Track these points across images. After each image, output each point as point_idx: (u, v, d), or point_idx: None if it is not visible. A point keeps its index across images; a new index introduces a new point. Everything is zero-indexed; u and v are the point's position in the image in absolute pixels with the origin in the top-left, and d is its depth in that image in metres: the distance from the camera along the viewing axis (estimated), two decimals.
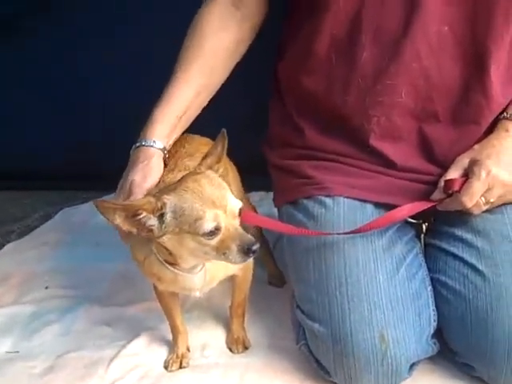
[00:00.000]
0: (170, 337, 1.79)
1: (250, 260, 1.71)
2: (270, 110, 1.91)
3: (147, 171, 1.56)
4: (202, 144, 1.74)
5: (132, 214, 1.37)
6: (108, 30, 2.54)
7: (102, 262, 2.25)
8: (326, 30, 1.65)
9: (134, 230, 1.40)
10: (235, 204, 1.42)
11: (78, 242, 2.44)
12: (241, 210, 1.43)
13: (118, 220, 1.37)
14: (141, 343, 1.82)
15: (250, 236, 1.41)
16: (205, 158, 1.51)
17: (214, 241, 1.38)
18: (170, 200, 1.38)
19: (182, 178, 1.46)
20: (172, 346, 1.78)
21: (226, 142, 1.52)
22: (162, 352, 1.79)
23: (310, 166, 1.76)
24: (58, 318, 1.96)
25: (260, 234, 2.04)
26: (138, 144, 1.62)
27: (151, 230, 1.40)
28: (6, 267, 2.30)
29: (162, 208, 1.38)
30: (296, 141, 1.80)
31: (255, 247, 1.38)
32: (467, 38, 1.61)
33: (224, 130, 1.51)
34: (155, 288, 1.71)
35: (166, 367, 1.74)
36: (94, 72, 2.65)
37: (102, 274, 2.19)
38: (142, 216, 1.38)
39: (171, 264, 1.52)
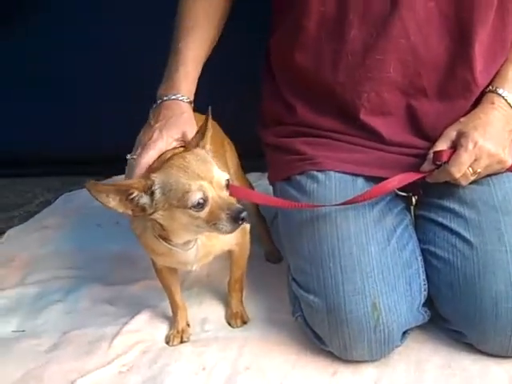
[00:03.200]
0: (170, 313, 1.84)
1: (247, 236, 1.78)
2: (262, 89, 1.95)
3: (194, 122, 1.62)
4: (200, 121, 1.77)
5: (126, 196, 1.42)
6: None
7: (102, 243, 2.30)
8: (315, 7, 1.68)
9: (129, 212, 1.44)
10: (221, 176, 1.46)
11: (79, 225, 2.48)
12: (228, 182, 1.47)
13: (113, 203, 1.42)
14: (142, 320, 1.86)
15: (238, 204, 1.45)
16: (193, 137, 1.56)
17: (204, 212, 1.42)
18: (157, 177, 1.43)
19: (169, 157, 1.50)
20: (172, 321, 1.83)
21: (209, 118, 1.54)
22: (162, 328, 1.84)
23: (302, 143, 1.80)
24: (61, 297, 2.01)
25: (257, 211, 2.09)
26: (171, 97, 1.65)
27: (144, 209, 1.44)
28: (10, 251, 2.34)
29: (151, 186, 1.42)
30: (288, 118, 1.84)
31: (244, 214, 1.42)
32: (453, 14, 1.64)
33: (209, 108, 1.54)
34: (154, 264, 1.76)
35: (167, 342, 1.78)
36: (96, 57, 2.66)
37: (103, 254, 2.24)
38: (134, 195, 1.42)
39: (165, 239, 1.56)
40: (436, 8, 1.64)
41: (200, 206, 1.41)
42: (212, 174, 1.45)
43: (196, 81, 1.72)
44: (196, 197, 1.40)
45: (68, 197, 2.79)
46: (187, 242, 1.59)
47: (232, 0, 1.85)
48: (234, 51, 2.39)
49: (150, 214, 1.46)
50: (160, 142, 1.56)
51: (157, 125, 1.60)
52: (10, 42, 2.72)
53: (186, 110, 1.65)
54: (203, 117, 1.74)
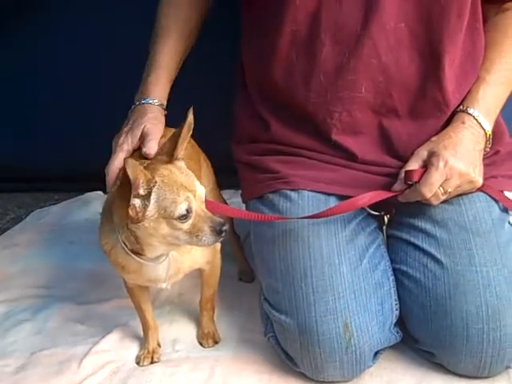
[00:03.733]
0: (141, 333, 1.82)
1: (218, 255, 1.78)
2: (236, 106, 1.94)
3: (158, 121, 1.69)
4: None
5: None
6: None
7: (74, 261, 2.28)
8: (287, 26, 1.68)
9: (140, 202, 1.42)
10: (202, 189, 1.49)
11: (50, 242, 2.46)
12: (205, 196, 1.49)
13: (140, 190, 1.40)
14: (113, 339, 1.84)
15: (218, 218, 1.47)
16: (166, 143, 1.57)
17: (187, 224, 1.43)
18: (158, 183, 1.42)
19: (149, 166, 1.49)
20: (143, 341, 1.81)
21: (188, 122, 1.52)
22: (133, 347, 1.82)
23: (275, 161, 1.80)
24: (31, 316, 1.98)
25: (232, 229, 2.08)
26: (142, 101, 1.72)
27: (137, 212, 1.42)
28: None
29: (152, 186, 1.41)
30: (262, 135, 1.84)
31: (225, 227, 1.45)
32: (423, 35, 1.65)
33: (191, 108, 1.53)
34: (125, 283, 1.74)
35: (137, 362, 1.76)
36: (65, 72, 2.67)
37: (75, 272, 2.22)
38: (141, 182, 1.39)
39: (136, 254, 1.55)
40: (406, 29, 1.65)
41: (184, 217, 1.43)
42: (195, 188, 1.47)
43: (167, 85, 1.78)
44: (183, 207, 1.42)
45: (38, 213, 2.76)
46: (159, 256, 1.58)
47: (202, 14, 1.88)
48: (209, 66, 2.40)
49: (139, 222, 1.44)
50: (125, 144, 1.64)
51: (125, 129, 1.68)
52: None
53: (153, 111, 1.71)
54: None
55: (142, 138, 1.64)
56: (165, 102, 1.75)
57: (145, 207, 1.42)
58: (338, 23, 1.65)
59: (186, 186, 1.45)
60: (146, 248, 1.53)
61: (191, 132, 1.55)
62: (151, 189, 1.41)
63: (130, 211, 1.42)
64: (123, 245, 1.55)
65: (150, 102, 1.72)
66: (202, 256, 1.69)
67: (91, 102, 2.66)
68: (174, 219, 1.42)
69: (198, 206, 1.45)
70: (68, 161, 2.77)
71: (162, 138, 1.75)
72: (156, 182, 1.42)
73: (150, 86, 1.74)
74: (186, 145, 1.55)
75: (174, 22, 1.82)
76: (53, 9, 2.60)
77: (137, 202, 1.42)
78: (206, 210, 1.47)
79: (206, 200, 1.51)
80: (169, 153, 1.53)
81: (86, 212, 2.63)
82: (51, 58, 2.66)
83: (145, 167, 1.47)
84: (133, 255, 1.55)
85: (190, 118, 1.53)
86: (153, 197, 1.42)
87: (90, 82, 2.64)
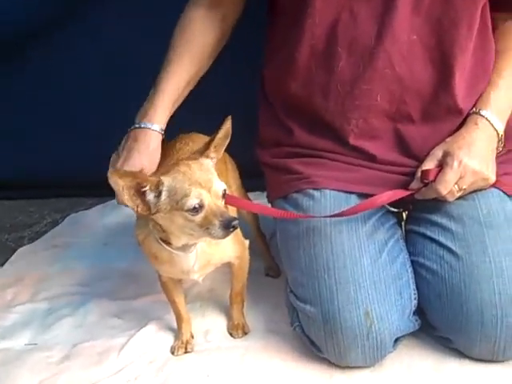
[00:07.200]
0: (175, 325, 1.94)
1: (246, 251, 1.89)
2: (259, 113, 2.04)
3: (155, 156, 1.75)
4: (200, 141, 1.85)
5: (138, 188, 1.53)
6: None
7: (108, 261, 2.41)
8: (306, 41, 1.79)
9: (135, 206, 1.55)
10: (219, 186, 1.59)
11: (86, 244, 2.59)
12: (225, 192, 1.59)
13: (126, 197, 1.52)
14: (148, 332, 1.96)
15: (230, 214, 1.58)
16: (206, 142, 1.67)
17: (198, 217, 1.54)
18: (166, 180, 1.55)
19: (175, 162, 1.62)
20: (177, 333, 1.93)
21: (225, 128, 1.64)
22: (168, 339, 1.93)
23: (298, 163, 1.90)
24: (71, 312, 2.11)
25: (257, 228, 2.20)
26: (141, 125, 1.78)
27: (149, 208, 1.56)
28: (20, 269, 2.44)
29: (160, 186, 1.54)
30: (285, 140, 1.94)
31: (235, 223, 1.54)
32: (434, 46, 1.74)
33: (229, 117, 1.65)
34: (159, 277, 1.86)
35: (172, 352, 1.88)
36: (95, 83, 2.77)
37: (110, 271, 2.34)
38: (146, 189, 1.54)
39: (165, 242, 1.67)
40: (418, 40, 1.74)
41: (195, 210, 1.53)
42: (211, 184, 1.57)
43: (168, 111, 1.82)
44: (193, 202, 1.53)
45: (74, 217, 2.88)
46: (187, 246, 1.69)
47: (221, 40, 1.94)
48: (234, 75, 2.50)
49: (153, 214, 1.57)
50: None
51: (122, 157, 1.75)
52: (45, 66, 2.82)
53: (152, 142, 1.76)
54: (204, 137, 1.85)
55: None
56: (164, 126, 1.80)
57: (157, 201, 1.55)
58: (353, 38, 1.74)
59: (201, 182, 1.55)
60: (171, 236, 1.65)
61: (229, 139, 1.67)
62: (159, 187, 1.54)
63: (142, 211, 1.56)
64: (154, 234, 1.67)
65: (149, 126, 1.77)
66: (231, 250, 1.80)
67: (123, 113, 2.75)
68: (185, 211, 1.54)
69: (212, 202, 1.55)
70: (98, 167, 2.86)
71: (192, 143, 1.87)
72: (163, 183, 1.54)
73: (151, 111, 1.79)
74: (222, 149, 1.67)
75: (186, 47, 1.88)
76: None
77: (150, 196, 1.55)
78: (219, 206, 1.57)
79: (227, 195, 1.62)
80: (201, 152, 1.65)
81: (118, 215, 2.75)
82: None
83: (167, 166, 1.63)
84: (162, 243, 1.68)
85: (227, 125, 1.64)
86: (164, 194, 1.55)
87: (111, 89, 2.75)
